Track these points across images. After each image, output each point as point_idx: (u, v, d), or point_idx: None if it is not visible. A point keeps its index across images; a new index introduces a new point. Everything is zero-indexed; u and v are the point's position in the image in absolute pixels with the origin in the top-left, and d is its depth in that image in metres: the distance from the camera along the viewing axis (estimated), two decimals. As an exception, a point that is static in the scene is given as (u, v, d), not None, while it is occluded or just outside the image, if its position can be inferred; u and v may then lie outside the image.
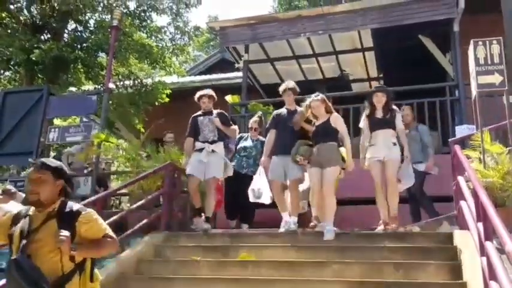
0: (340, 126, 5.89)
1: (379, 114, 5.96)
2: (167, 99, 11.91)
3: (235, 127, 6.83)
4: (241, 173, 7.08)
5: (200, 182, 6.36)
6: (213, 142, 6.41)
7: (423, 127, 7.21)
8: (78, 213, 2.82)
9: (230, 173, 6.55)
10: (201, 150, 6.39)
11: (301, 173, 6.04)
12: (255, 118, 7.68)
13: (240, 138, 7.49)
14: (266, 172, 6.29)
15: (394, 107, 6.09)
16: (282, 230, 5.92)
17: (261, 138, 7.35)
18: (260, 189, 6.30)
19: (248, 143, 7.40)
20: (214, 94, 6.71)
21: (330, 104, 6.04)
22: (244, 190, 6.49)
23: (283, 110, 6.45)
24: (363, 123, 6.08)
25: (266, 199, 6.27)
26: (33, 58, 9.93)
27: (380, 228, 5.76)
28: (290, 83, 6.45)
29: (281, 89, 6.46)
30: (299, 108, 6.28)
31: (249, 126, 7.68)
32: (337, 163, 5.73)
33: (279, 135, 6.23)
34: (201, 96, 6.64)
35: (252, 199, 6.40)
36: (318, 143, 5.82)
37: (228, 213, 7.31)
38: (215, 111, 6.60)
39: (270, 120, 6.56)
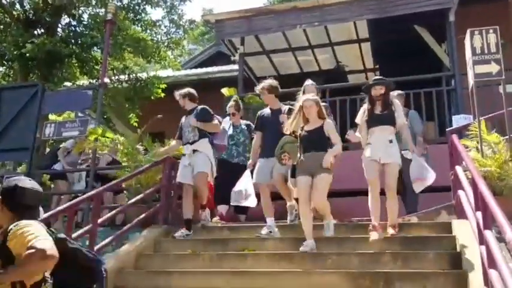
0: (333, 134, 5.30)
1: (377, 109, 5.39)
2: (162, 94, 11.86)
3: (216, 122, 6.30)
4: (231, 162, 6.90)
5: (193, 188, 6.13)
6: (193, 142, 6.14)
7: (413, 113, 7.02)
8: (9, 232, 2.42)
9: (214, 171, 6.22)
10: (185, 154, 6.25)
11: (286, 169, 5.66)
12: (231, 103, 7.35)
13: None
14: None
15: (395, 100, 5.57)
16: (263, 232, 5.61)
17: (243, 121, 7.23)
18: (247, 190, 5.88)
19: (231, 131, 7.11)
20: (188, 92, 6.38)
21: (323, 109, 5.44)
22: (238, 179, 6.18)
23: (266, 110, 6.17)
24: (360, 118, 5.51)
25: (252, 202, 5.86)
26: (26, 53, 9.85)
27: (374, 235, 5.04)
28: (266, 82, 6.11)
29: (257, 89, 6.22)
30: (283, 107, 6.02)
31: (227, 112, 7.33)
32: (329, 171, 5.13)
33: (264, 136, 5.95)
34: (178, 99, 6.41)
35: (235, 202, 6.00)
36: (308, 150, 5.20)
37: (216, 199, 6.84)
38: (199, 108, 6.29)
39: (255, 122, 6.30)
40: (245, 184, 5.89)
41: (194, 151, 6.09)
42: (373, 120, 5.35)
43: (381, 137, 5.25)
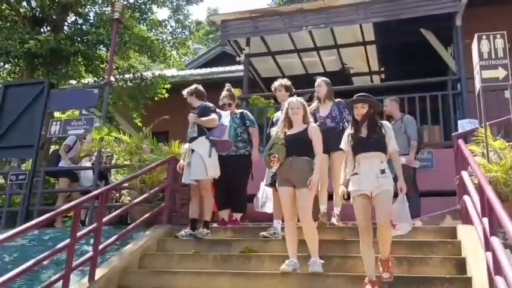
0: (317, 140, 4.79)
1: (363, 132, 4.49)
2: (166, 95, 11.88)
3: (212, 116, 6.04)
4: (222, 155, 6.23)
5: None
6: (192, 139, 6.01)
7: (408, 118, 6.97)
8: None
9: (213, 173, 5.94)
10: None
11: None
12: (224, 92, 6.77)
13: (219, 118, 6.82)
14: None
15: (385, 122, 4.74)
16: (266, 233, 5.56)
17: (237, 110, 6.81)
18: (264, 196, 5.92)
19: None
20: (195, 89, 6.29)
21: (308, 113, 5.04)
22: (232, 173, 6.14)
23: (278, 114, 6.13)
24: (344, 143, 4.65)
25: (269, 208, 5.88)
26: (29, 49, 9.86)
27: None
28: (283, 80, 6.26)
29: (274, 85, 6.28)
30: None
31: (220, 103, 6.74)
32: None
33: None
34: (185, 97, 6.35)
35: (256, 208, 5.99)
36: (290, 155, 4.76)
37: (217, 202, 6.47)
38: (201, 104, 6.24)
39: (269, 123, 6.46)
40: (263, 189, 5.94)
41: (192, 151, 5.97)
42: (359, 146, 4.45)
43: (370, 166, 4.34)
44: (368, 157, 4.37)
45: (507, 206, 4.84)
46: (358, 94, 4.58)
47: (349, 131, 4.63)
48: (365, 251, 4.31)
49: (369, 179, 4.29)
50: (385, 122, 4.68)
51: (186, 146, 6.10)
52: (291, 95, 5.92)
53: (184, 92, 6.34)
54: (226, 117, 6.34)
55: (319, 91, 6.18)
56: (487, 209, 3.73)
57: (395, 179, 4.40)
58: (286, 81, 6.31)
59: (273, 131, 5.66)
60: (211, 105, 6.21)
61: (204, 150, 5.91)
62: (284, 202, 4.80)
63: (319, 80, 6.28)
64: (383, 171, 4.29)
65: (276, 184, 4.92)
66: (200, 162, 5.85)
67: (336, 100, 6.19)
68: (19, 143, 7.82)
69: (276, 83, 6.32)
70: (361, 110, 4.47)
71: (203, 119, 6.00)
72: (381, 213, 4.21)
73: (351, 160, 4.51)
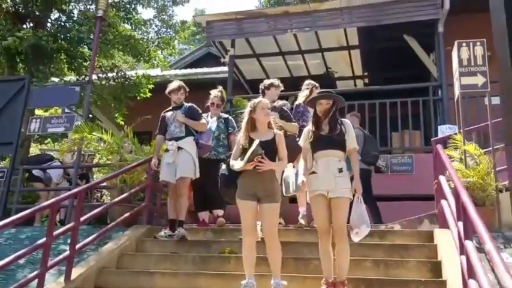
0: (282, 149, 4.40)
1: (324, 129, 4.37)
2: (149, 94, 11.81)
3: (204, 121, 6.15)
4: (202, 157, 6.14)
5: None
6: (178, 139, 5.93)
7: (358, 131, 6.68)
8: None
9: (197, 174, 5.92)
10: (168, 150, 5.98)
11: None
12: (216, 92, 6.68)
13: None
14: None
15: (346, 120, 4.60)
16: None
17: (223, 115, 6.73)
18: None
19: (214, 123, 6.60)
20: (184, 85, 6.22)
21: (271, 119, 4.58)
22: (211, 175, 5.67)
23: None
24: (303, 140, 4.51)
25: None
26: (7, 46, 9.72)
27: None
28: (277, 80, 6.24)
29: (270, 82, 6.13)
30: (278, 102, 5.98)
31: (210, 102, 6.65)
32: (278, 198, 4.35)
33: None
34: (173, 90, 6.15)
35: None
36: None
37: (196, 204, 6.51)
38: (186, 105, 6.15)
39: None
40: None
41: (179, 148, 5.89)
42: (319, 143, 4.32)
43: (328, 165, 4.23)
44: (327, 155, 4.26)
45: (484, 211, 4.95)
46: (322, 90, 4.60)
47: (309, 127, 4.49)
48: (324, 252, 4.24)
49: (326, 178, 4.20)
50: (345, 120, 4.53)
51: (172, 143, 5.92)
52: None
53: (175, 86, 6.14)
54: (213, 122, 6.46)
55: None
56: (462, 213, 3.78)
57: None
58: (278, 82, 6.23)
59: None
60: (197, 107, 6.18)
61: (193, 150, 5.93)
62: (246, 217, 4.31)
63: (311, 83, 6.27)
64: (340, 170, 4.21)
65: (237, 197, 4.38)
66: (190, 161, 5.86)
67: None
68: (-2, 140, 7.72)
69: (270, 81, 6.19)
70: (325, 106, 4.37)
71: (196, 122, 6.02)
72: (337, 218, 4.15)
73: (309, 157, 4.39)
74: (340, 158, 4.28)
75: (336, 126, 4.35)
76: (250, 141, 4.32)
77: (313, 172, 4.30)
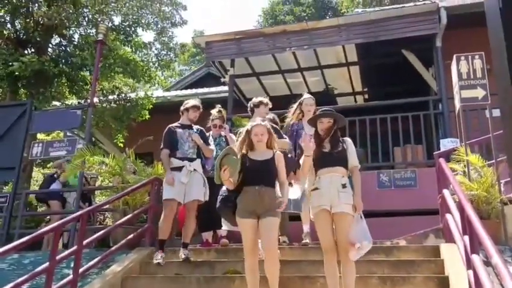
0: (282, 169, 4.46)
1: (326, 147, 4.42)
2: (147, 116, 11.84)
3: (212, 147, 6.19)
4: (206, 177, 6.08)
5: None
6: (192, 160, 5.85)
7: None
8: None
9: (207, 197, 5.83)
10: (179, 168, 5.78)
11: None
12: (216, 114, 6.67)
13: None
14: None
15: (346, 138, 4.60)
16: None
17: (223, 133, 6.66)
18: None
19: (212, 144, 6.52)
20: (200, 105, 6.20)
21: (275, 138, 4.64)
22: (215, 195, 5.29)
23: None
24: (304, 158, 4.47)
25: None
26: (14, 71, 9.83)
27: None
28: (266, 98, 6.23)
29: (261, 100, 6.17)
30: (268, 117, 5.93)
31: (212, 124, 6.70)
32: (277, 214, 4.35)
33: None
34: (193, 107, 6.05)
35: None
36: (255, 183, 4.33)
37: (200, 224, 6.35)
38: (195, 127, 6.10)
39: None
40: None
41: (194, 170, 5.80)
42: (322, 161, 4.34)
43: (330, 181, 4.25)
44: (330, 172, 4.28)
45: (489, 224, 4.91)
46: (324, 108, 4.57)
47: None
48: (329, 270, 4.18)
49: (329, 193, 4.20)
50: (346, 138, 4.57)
51: (190, 164, 5.81)
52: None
53: (195, 104, 6.09)
54: (212, 142, 6.45)
55: (311, 110, 6.00)
56: (467, 227, 3.75)
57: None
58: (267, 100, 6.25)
59: None
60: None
61: (202, 173, 5.91)
62: (246, 235, 4.31)
63: (311, 99, 6.17)
64: (344, 186, 4.22)
65: (236, 216, 4.38)
66: (203, 184, 5.83)
67: None
68: (0, 165, 7.72)
69: (259, 99, 6.22)
70: (326, 124, 4.42)
71: (207, 147, 6.02)
72: (341, 235, 4.12)
73: (312, 174, 4.39)
74: (343, 174, 4.29)
75: (338, 144, 4.39)
76: (243, 158, 4.42)
77: (316, 188, 4.29)
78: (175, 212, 5.83)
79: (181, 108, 6.18)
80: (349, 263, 4.14)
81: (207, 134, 6.53)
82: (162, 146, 5.94)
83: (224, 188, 4.56)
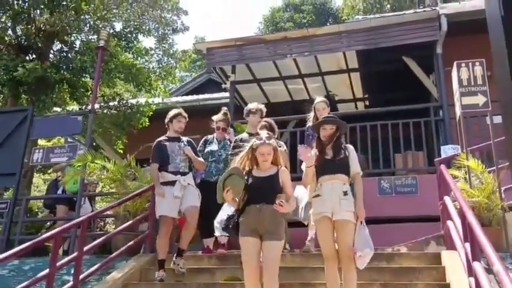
0: (288, 185, 4.24)
1: (328, 153, 4.41)
2: (147, 123, 11.84)
3: (202, 160, 6.06)
4: (210, 181, 6.09)
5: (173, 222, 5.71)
6: (184, 174, 5.71)
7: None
8: None
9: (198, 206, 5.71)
10: (173, 183, 5.62)
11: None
12: (221, 117, 6.60)
13: (206, 142, 6.60)
14: None
15: (348, 145, 4.65)
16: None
17: (228, 136, 6.56)
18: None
19: (214, 146, 6.50)
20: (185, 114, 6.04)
21: (281, 154, 4.42)
22: (210, 201, 5.36)
23: (243, 135, 6.02)
24: (305, 165, 4.53)
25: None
26: (17, 77, 9.86)
27: None
28: (261, 105, 6.10)
29: (252, 107, 6.08)
30: (262, 133, 5.80)
31: (215, 126, 6.62)
32: (282, 237, 4.15)
33: None
34: (175, 116, 5.90)
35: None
36: (257, 201, 4.12)
37: (201, 231, 6.25)
38: (184, 138, 5.93)
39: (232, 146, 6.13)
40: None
41: (188, 184, 5.68)
42: (324, 168, 4.33)
43: (332, 188, 4.24)
44: (331, 179, 4.26)
45: (490, 231, 4.91)
46: (326, 115, 4.59)
47: (314, 151, 4.45)
48: (330, 277, 4.16)
49: (331, 200, 4.19)
50: (348, 145, 4.57)
51: (184, 178, 5.67)
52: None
53: (177, 112, 5.96)
54: (214, 144, 6.44)
55: (323, 114, 5.67)
56: (468, 234, 3.74)
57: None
58: (263, 107, 6.14)
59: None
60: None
61: (194, 184, 5.84)
62: (246, 255, 4.09)
63: (322, 102, 6.01)
64: (345, 193, 4.20)
65: (239, 234, 4.18)
66: (197, 195, 5.70)
67: None
68: (1, 171, 7.72)
69: (249, 108, 6.12)
70: (329, 131, 4.42)
71: (199, 159, 5.91)
72: (343, 243, 4.10)
73: (313, 181, 4.35)
74: (344, 181, 4.28)
75: (340, 151, 4.39)
76: (248, 175, 4.25)
77: (317, 195, 4.28)
78: (171, 228, 5.69)
79: (166, 120, 6.02)
80: (351, 270, 4.10)
81: (211, 136, 6.52)
82: (151, 161, 5.80)
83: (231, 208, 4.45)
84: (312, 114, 6.07)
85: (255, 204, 4.12)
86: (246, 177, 4.22)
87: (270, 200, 4.06)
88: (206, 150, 6.52)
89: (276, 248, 4.05)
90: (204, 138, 6.66)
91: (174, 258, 5.57)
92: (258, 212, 4.08)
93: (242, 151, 4.40)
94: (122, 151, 11.47)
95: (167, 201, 5.55)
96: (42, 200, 9.51)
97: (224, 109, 6.82)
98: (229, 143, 6.53)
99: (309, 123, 6.20)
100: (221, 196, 4.20)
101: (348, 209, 4.15)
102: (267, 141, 4.23)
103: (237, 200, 4.23)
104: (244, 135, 6.05)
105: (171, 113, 5.99)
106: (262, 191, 4.14)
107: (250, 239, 4.08)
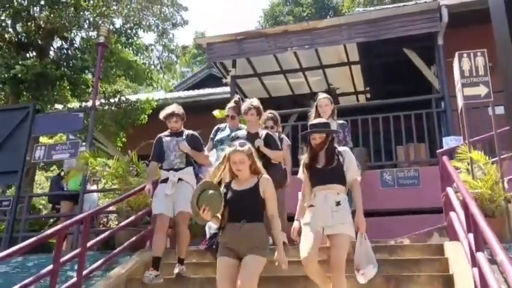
0: (270, 196, 3.79)
1: (320, 161, 4.14)
2: (146, 120, 11.82)
3: (207, 153, 5.80)
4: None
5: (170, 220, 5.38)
6: (178, 169, 5.42)
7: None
8: None
9: None
10: (166, 180, 5.41)
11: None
12: (232, 104, 6.37)
13: (218, 130, 6.41)
14: None
15: (343, 148, 4.32)
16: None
17: (242, 126, 6.25)
18: None
19: (226, 133, 6.23)
20: (183, 112, 5.73)
21: (258, 162, 3.90)
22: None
23: (240, 132, 5.65)
24: (301, 173, 4.32)
25: None
26: (15, 74, 9.86)
27: None
28: (255, 101, 5.63)
29: (245, 106, 5.65)
30: (261, 131, 5.51)
31: (225, 114, 6.43)
32: (264, 253, 3.67)
33: None
34: (168, 116, 5.62)
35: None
36: (237, 219, 3.68)
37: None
38: (187, 132, 5.66)
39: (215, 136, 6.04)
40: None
41: (179, 180, 5.38)
42: (316, 178, 4.09)
43: (325, 199, 3.98)
44: (324, 189, 4.01)
45: (494, 221, 4.89)
46: (314, 124, 4.26)
47: (304, 160, 4.22)
48: (312, 274, 3.91)
49: (323, 213, 3.94)
50: (343, 149, 4.27)
51: (174, 174, 5.40)
52: (259, 120, 5.64)
53: (168, 112, 5.65)
54: (212, 155, 6.07)
55: (326, 111, 5.66)
56: (472, 225, 3.74)
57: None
58: (258, 104, 5.65)
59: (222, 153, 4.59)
60: (198, 136, 5.74)
61: (194, 182, 5.43)
62: (223, 276, 3.64)
63: (325, 99, 5.78)
64: (338, 203, 3.93)
65: (217, 254, 3.78)
66: (188, 193, 5.04)
67: (340, 122, 5.85)
68: (3, 169, 7.75)
69: (246, 104, 5.68)
70: (318, 140, 4.13)
71: (200, 154, 5.58)
72: (335, 254, 3.83)
73: (308, 190, 4.14)
74: (339, 191, 4.03)
75: (333, 158, 4.09)
76: (227, 187, 3.86)
77: (311, 205, 4.07)
78: (167, 226, 5.39)
79: (160, 117, 5.78)
80: (340, 283, 3.80)
81: (223, 125, 6.29)
82: (150, 158, 5.66)
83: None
84: (313, 111, 5.85)
85: (234, 222, 3.69)
86: (225, 191, 3.81)
87: (251, 217, 3.67)
88: (216, 138, 6.32)
89: (255, 260, 3.58)
90: (216, 126, 6.47)
91: (176, 267, 5.34)
92: (238, 230, 3.65)
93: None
94: (120, 148, 11.47)
95: (160, 199, 5.37)
96: (45, 197, 9.53)
97: (236, 97, 6.64)
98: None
99: (311, 120, 6.12)
100: (196, 215, 3.75)
101: (340, 221, 3.89)
102: (239, 148, 3.78)
103: (219, 216, 3.79)
104: (242, 132, 5.72)
105: (162, 113, 5.72)
106: (241, 206, 3.73)
107: (226, 259, 3.66)
